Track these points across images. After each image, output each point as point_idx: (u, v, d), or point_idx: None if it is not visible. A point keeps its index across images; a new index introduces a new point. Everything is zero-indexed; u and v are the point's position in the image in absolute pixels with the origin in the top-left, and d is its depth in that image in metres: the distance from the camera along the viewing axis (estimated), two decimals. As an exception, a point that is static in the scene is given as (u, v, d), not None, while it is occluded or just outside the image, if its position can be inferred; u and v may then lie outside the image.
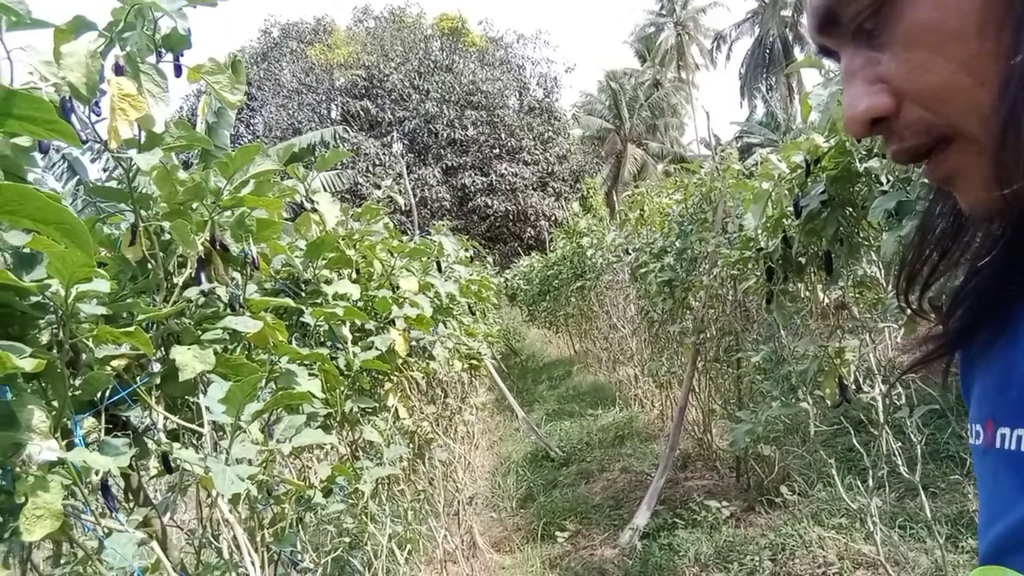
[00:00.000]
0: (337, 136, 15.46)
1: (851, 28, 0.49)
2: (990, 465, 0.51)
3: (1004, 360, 0.50)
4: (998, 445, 0.49)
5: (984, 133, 0.44)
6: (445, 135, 26.97)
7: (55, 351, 1.06)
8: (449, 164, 26.97)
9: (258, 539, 1.67)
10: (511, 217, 26.99)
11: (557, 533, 4.64)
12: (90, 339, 1.15)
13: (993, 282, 0.52)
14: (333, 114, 27.90)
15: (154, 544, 1.27)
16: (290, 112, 26.73)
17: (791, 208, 2.62)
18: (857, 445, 3.03)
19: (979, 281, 0.53)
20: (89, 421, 1.24)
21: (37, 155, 1.28)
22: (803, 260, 2.89)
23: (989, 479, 0.51)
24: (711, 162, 4.74)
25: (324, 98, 28.07)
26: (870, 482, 2.81)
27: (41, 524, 0.94)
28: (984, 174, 0.46)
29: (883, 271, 2.73)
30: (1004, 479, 0.48)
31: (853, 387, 2.82)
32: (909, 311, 0.59)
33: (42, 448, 0.96)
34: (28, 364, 0.91)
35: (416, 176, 25.37)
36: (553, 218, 25.79)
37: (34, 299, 1.06)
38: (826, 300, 3.10)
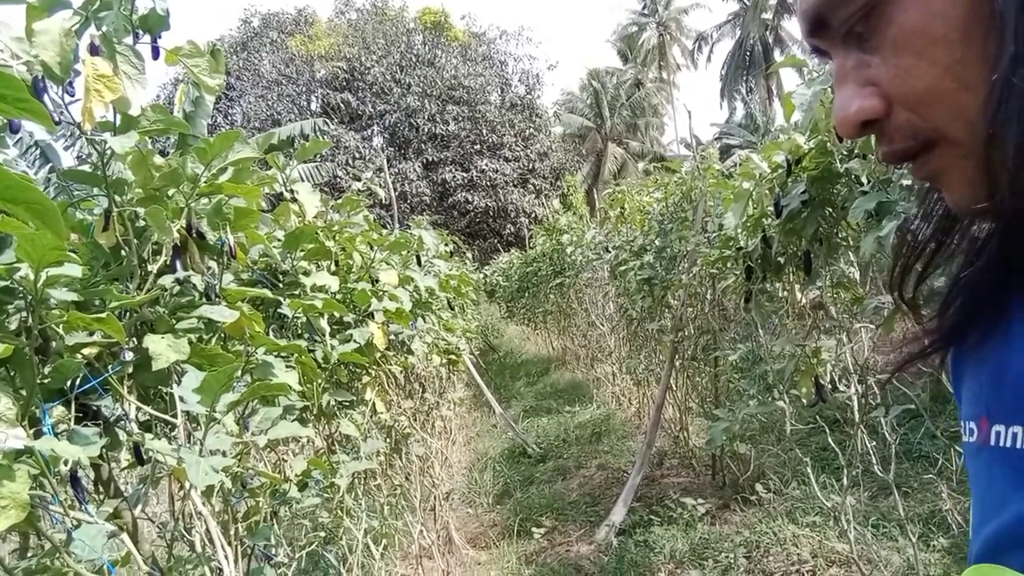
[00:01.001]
0: (317, 128, 15.32)
1: (842, 32, 0.49)
2: (984, 463, 0.51)
3: (997, 358, 0.50)
4: (992, 442, 0.49)
5: (969, 137, 0.45)
6: (426, 130, 26.85)
7: (24, 337, 1.03)
8: (430, 159, 26.86)
9: (231, 532, 1.64)
10: (491, 213, 26.95)
11: (533, 529, 4.64)
12: (60, 325, 1.12)
13: (986, 279, 0.52)
14: (313, 106, 27.66)
15: (124, 537, 1.24)
16: (269, 103, 26.44)
17: (771, 207, 2.63)
18: (832, 444, 3.06)
19: (972, 278, 0.53)
20: (58, 410, 1.21)
21: (8, 138, 1.24)
22: (782, 260, 2.91)
23: (983, 477, 0.51)
24: (692, 161, 4.75)
25: (304, 90, 27.81)
26: (844, 481, 2.84)
27: (6, 515, 0.91)
28: (968, 175, 0.46)
29: (861, 271, 2.75)
30: (998, 476, 0.49)
31: (829, 387, 2.84)
32: (902, 305, 0.59)
33: (8, 436, 0.93)
34: (-6, 349, 0.88)
35: (396, 170, 25.23)
36: (533, 215, 25.77)
37: (2, 283, 1.03)
38: (803, 300, 3.12)
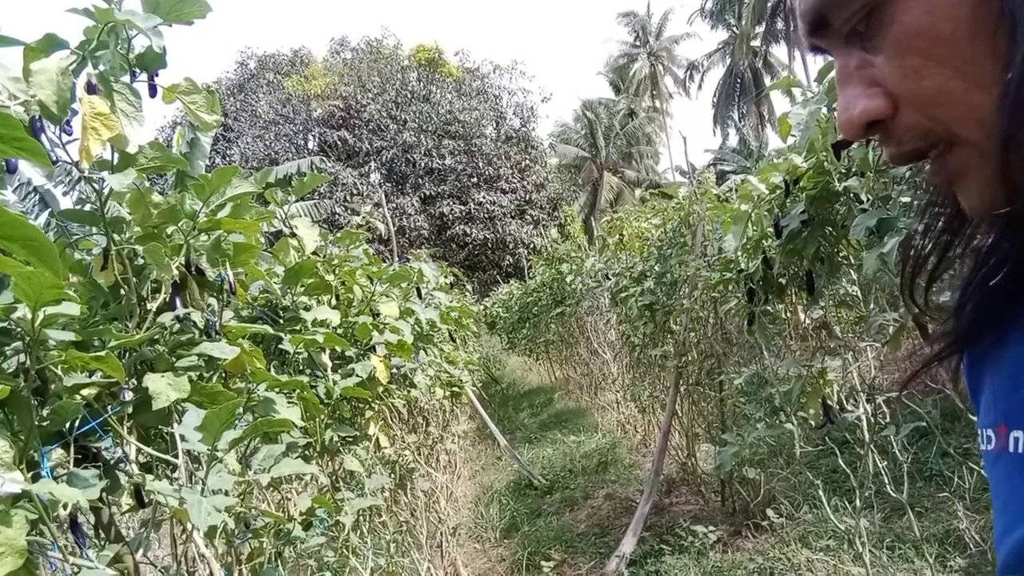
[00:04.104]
0: (314, 167, 15.46)
1: (843, 31, 0.48)
2: (1003, 471, 0.49)
3: (1014, 358, 0.49)
4: (1011, 449, 0.48)
5: (982, 136, 0.44)
6: (423, 164, 27.04)
7: (21, 378, 1.02)
8: (427, 193, 27.01)
9: (235, 575, 1.60)
10: (490, 245, 27.02)
11: (542, 563, 4.55)
12: (59, 366, 1.10)
13: (1000, 281, 0.51)
14: (310, 145, 27.90)
15: (126, 582, 1.21)
16: (267, 143, 26.67)
17: (771, 229, 2.63)
18: (843, 465, 3.02)
19: (987, 277, 0.52)
20: (57, 452, 1.19)
21: (7, 181, 1.23)
22: (784, 281, 2.90)
23: (1003, 485, 0.49)
24: (689, 186, 4.77)
25: (301, 129, 28.07)
26: (857, 503, 2.79)
27: (2, 562, 0.89)
28: (987, 177, 0.45)
29: (863, 290, 2.74)
30: (1019, 484, 0.47)
31: (837, 407, 2.81)
32: (914, 316, 0.58)
33: (5, 480, 0.91)
34: (-9, 391, 0.87)
35: (394, 205, 25.36)
36: (532, 245, 25.83)
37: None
38: (807, 320, 3.10)
